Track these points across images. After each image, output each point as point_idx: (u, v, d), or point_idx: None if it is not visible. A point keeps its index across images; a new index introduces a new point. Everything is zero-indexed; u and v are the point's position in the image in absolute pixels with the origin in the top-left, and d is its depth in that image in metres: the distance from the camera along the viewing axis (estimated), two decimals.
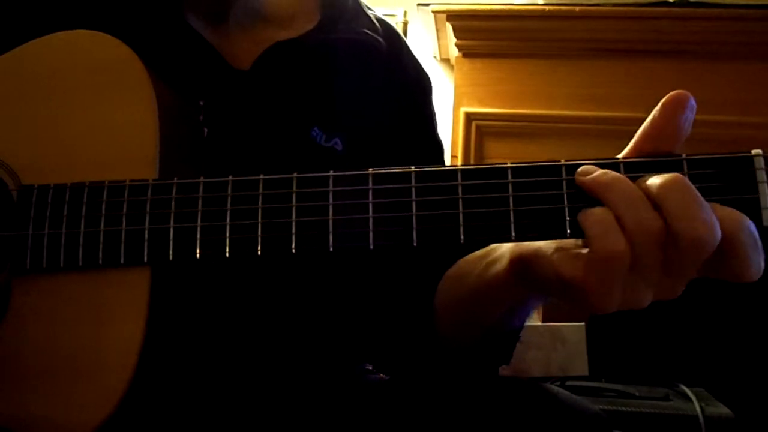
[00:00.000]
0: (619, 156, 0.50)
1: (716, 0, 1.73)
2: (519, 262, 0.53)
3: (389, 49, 0.81)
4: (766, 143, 1.65)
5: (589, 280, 0.46)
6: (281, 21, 0.75)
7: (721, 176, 0.47)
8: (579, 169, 0.48)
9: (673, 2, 1.75)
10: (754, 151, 0.47)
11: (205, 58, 0.69)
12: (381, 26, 0.82)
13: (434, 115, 0.86)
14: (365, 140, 0.72)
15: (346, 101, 0.74)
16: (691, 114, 0.48)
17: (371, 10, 0.85)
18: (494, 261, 0.59)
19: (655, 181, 0.46)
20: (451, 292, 0.68)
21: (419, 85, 0.85)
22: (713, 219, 0.44)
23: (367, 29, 0.80)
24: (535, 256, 0.51)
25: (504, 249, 0.58)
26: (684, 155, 0.47)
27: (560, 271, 0.47)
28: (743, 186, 0.46)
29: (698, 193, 0.45)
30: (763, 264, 0.46)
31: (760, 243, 0.45)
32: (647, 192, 0.46)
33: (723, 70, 1.75)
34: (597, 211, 0.46)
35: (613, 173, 0.47)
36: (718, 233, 0.44)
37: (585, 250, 0.46)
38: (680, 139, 0.48)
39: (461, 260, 0.68)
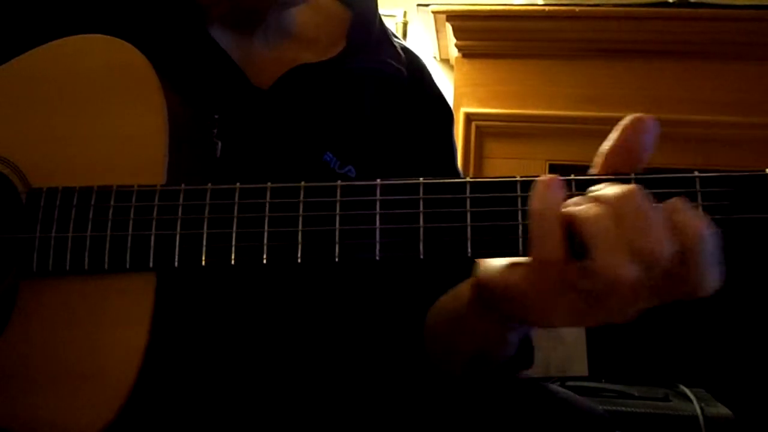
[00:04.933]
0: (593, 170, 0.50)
1: (716, 0, 1.73)
2: (479, 285, 0.53)
3: (412, 80, 0.80)
4: (766, 143, 1.65)
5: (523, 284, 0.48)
6: (307, 42, 0.75)
7: (734, 194, 0.46)
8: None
9: (673, 2, 1.75)
10: None
11: (224, 71, 0.69)
12: (405, 56, 0.82)
13: (455, 146, 0.86)
14: (380, 171, 0.72)
15: (364, 131, 0.74)
16: (649, 136, 0.47)
17: (397, 38, 0.84)
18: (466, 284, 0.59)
19: (608, 192, 0.45)
20: (433, 314, 0.68)
21: (440, 117, 0.84)
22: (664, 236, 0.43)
23: (391, 59, 0.79)
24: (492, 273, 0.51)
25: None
26: (696, 172, 0.47)
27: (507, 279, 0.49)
28: (756, 205, 0.46)
29: (644, 207, 0.44)
30: (717, 279, 0.44)
31: (717, 256, 0.44)
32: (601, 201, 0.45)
33: (723, 70, 1.75)
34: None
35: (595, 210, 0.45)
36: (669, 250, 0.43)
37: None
38: (637, 161, 0.48)
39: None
